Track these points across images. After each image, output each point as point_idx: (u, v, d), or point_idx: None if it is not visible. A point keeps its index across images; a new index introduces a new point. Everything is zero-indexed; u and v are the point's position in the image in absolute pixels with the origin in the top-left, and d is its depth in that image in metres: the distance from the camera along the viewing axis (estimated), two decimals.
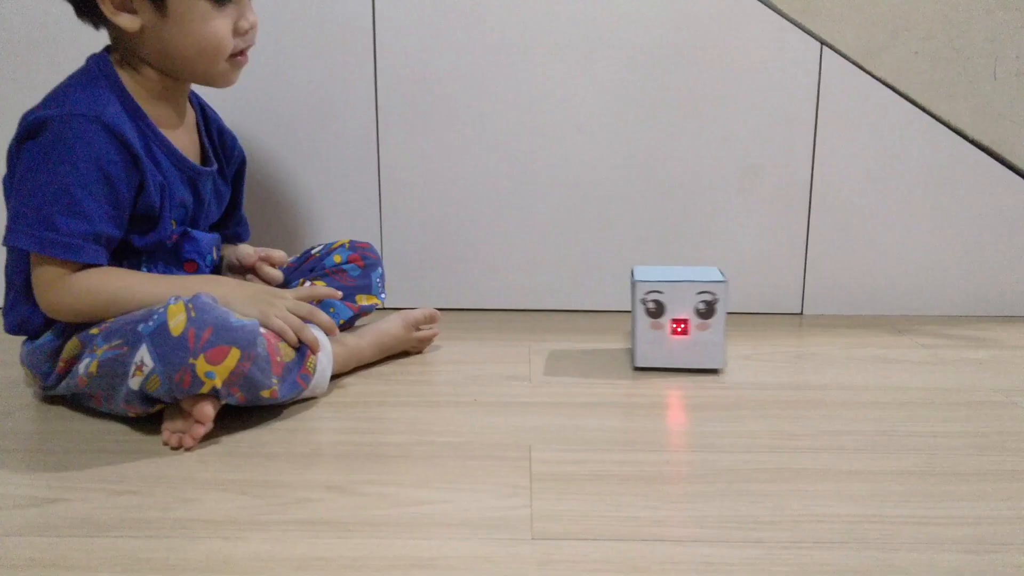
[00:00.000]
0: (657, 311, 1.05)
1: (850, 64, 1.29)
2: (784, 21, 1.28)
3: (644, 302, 1.05)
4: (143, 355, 0.82)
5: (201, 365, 0.81)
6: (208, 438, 0.85)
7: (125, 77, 0.94)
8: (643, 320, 1.05)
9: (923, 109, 1.30)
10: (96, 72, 0.94)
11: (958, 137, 1.30)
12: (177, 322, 0.81)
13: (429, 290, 1.36)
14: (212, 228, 1.12)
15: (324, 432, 0.89)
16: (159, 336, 0.81)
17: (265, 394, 0.86)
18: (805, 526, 0.69)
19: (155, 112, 0.96)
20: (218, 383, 0.82)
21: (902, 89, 1.29)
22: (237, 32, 0.95)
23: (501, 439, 0.86)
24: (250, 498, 0.74)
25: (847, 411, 0.95)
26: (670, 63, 1.29)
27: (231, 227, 1.15)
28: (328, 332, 0.94)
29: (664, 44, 1.29)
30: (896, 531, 0.69)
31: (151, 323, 0.82)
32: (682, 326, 1.05)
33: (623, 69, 1.30)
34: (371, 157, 1.32)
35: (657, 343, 1.06)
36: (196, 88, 1.04)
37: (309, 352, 0.92)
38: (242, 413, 0.90)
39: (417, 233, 1.35)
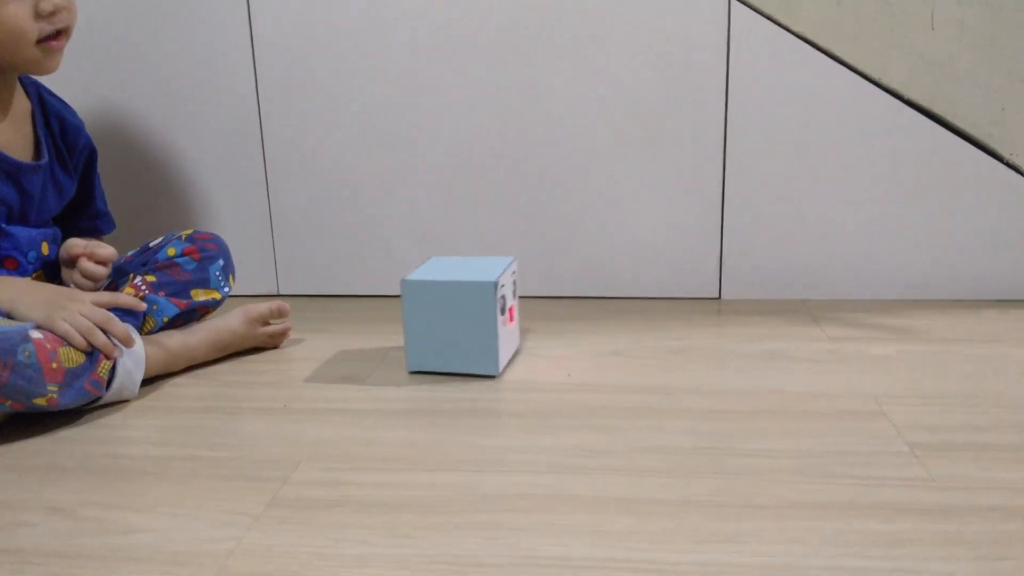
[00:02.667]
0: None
1: (762, 18, 1.14)
2: None
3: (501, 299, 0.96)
4: None
5: None
6: None
7: None
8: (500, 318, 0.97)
9: (848, 66, 1.14)
10: None
11: (890, 96, 1.15)
12: None
13: (322, 276, 1.31)
14: (64, 222, 1.09)
15: (95, 443, 0.84)
16: None
17: (40, 402, 0.83)
18: (525, 570, 0.61)
19: None
20: None
21: (823, 44, 1.14)
22: (40, 15, 0.91)
23: (273, 455, 0.80)
24: None
25: (680, 421, 0.84)
26: (555, 18, 1.18)
27: (85, 221, 1.12)
28: (123, 342, 0.89)
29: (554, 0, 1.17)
30: None
31: None
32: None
33: (509, 22, 1.19)
34: (255, 139, 1.26)
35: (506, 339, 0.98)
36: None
37: (102, 357, 0.87)
38: (45, 419, 0.87)
39: (306, 218, 1.29)
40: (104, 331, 0.88)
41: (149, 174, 1.29)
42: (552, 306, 1.24)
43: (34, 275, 1.01)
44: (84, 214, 1.11)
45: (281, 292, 1.32)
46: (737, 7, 1.14)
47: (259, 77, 1.23)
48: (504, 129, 1.22)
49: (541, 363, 1.01)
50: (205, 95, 1.25)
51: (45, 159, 1.01)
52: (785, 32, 1.14)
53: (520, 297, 1.26)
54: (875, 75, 1.14)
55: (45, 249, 1.02)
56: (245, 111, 1.25)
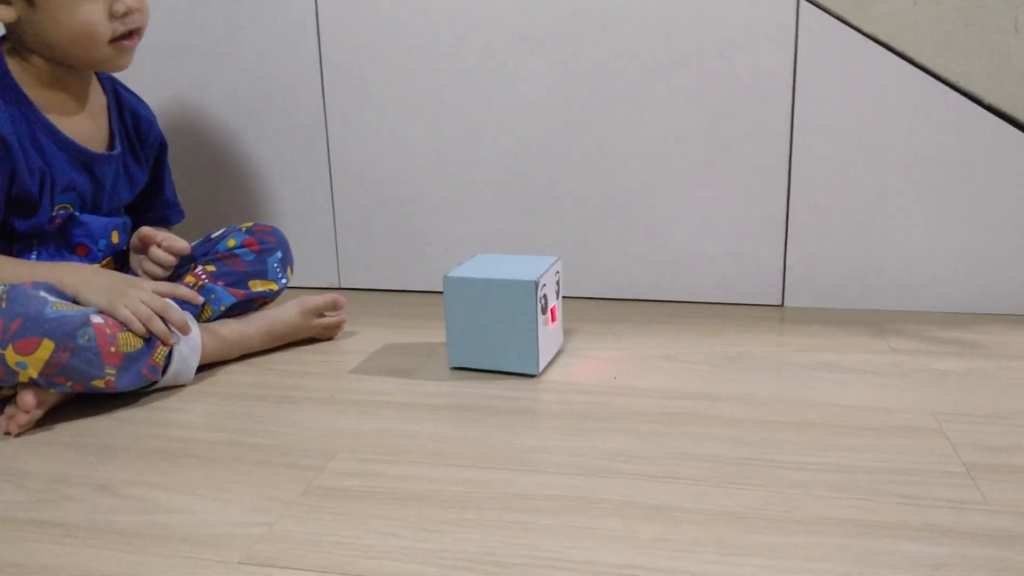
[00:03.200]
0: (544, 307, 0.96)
1: (832, 19, 1.10)
2: None
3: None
4: None
5: (10, 355, 0.81)
6: (47, 422, 0.87)
7: (14, 65, 0.96)
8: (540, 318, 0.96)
9: (924, 69, 1.09)
10: None
11: (970, 102, 1.09)
12: None
13: (382, 271, 1.32)
14: (134, 211, 1.13)
15: (148, 424, 0.87)
16: None
17: (98, 384, 0.86)
18: (542, 572, 0.60)
19: (46, 98, 0.98)
20: (33, 373, 0.82)
21: (897, 47, 1.10)
22: (114, 16, 0.95)
23: (313, 444, 0.81)
24: (22, 492, 0.74)
25: (724, 430, 0.82)
26: (618, 20, 1.16)
27: (156, 211, 1.16)
28: (180, 330, 0.92)
29: (616, 3, 1.16)
30: None
31: None
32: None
33: (570, 27, 1.18)
34: (320, 136, 1.29)
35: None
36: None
37: (159, 344, 0.90)
38: (104, 399, 0.91)
39: (368, 214, 1.30)
40: (162, 319, 0.91)
41: (217, 167, 1.33)
42: (605, 308, 1.23)
43: (103, 262, 1.05)
44: (154, 204, 1.15)
45: (342, 286, 1.34)
46: (806, 7, 1.10)
47: (325, 75, 1.26)
48: (564, 130, 1.21)
49: (588, 364, 1.00)
50: (273, 93, 1.28)
51: (118, 150, 1.05)
52: (857, 33, 1.10)
53: (573, 298, 1.25)
54: (953, 79, 1.09)
55: (115, 238, 1.06)
56: (311, 108, 1.28)
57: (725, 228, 1.20)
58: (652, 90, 1.17)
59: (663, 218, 1.22)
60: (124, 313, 0.89)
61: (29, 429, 0.86)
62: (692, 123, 1.18)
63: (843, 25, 1.10)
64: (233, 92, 1.30)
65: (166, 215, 1.17)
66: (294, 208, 1.32)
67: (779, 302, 1.21)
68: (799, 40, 1.12)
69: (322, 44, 1.25)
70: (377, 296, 1.31)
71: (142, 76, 1.11)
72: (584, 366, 1.00)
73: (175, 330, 0.92)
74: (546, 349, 0.97)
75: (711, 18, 1.14)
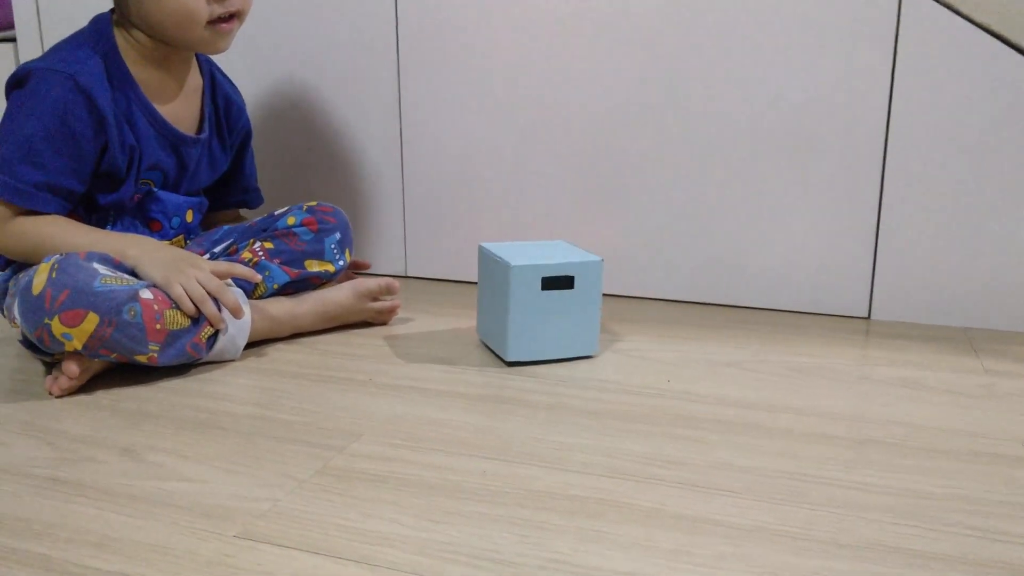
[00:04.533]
0: None
1: (939, 6, 1.01)
2: None
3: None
4: (16, 308, 0.85)
5: (56, 326, 0.82)
6: (90, 387, 0.87)
7: (120, 39, 0.99)
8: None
9: None
10: (90, 31, 0.99)
11: None
12: (39, 281, 0.83)
13: (448, 261, 1.29)
14: (214, 193, 1.14)
15: (186, 394, 0.86)
16: (25, 292, 0.83)
17: (141, 359, 0.86)
18: (544, 574, 0.55)
19: (146, 75, 1.00)
20: (77, 345, 0.83)
21: (1013, 38, 0.99)
22: None
23: (341, 425, 0.79)
24: (49, 449, 0.74)
25: (777, 442, 0.75)
26: (704, 12, 1.10)
27: (236, 194, 1.18)
28: (233, 313, 0.92)
29: None
30: None
31: (27, 278, 0.85)
32: None
33: (647, 16, 1.13)
34: (394, 125, 1.27)
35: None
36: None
37: (206, 324, 0.90)
38: (151, 368, 0.91)
39: (437, 203, 1.28)
40: (216, 300, 0.90)
41: (293, 154, 1.33)
42: (671, 310, 1.16)
43: (174, 240, 1.06)
44: (234, 188, 1.17)
45: (409, 274, 1.32)
46: None
47: (401, 64, 1.24)
48: (641, 125, 1.15)
49: (642, 366, 0.94)
50: (349, 80, 1.28)
51: (206, 134, 1.06)
52: (966, 23, 1.00)
53: (636, 298, 1.20)
54: None
55: (189, 216, 1.07)
56: (386, 98, 1.26)
57: (808, 232, 1.12)
58: (732, 83, 1.10)
59: (740, 219, 1.14)
60: (177, 291, 0.88)
61: (72, 392, 0.87)
62: (776, 119, 1.10)
63: (951, 13, 1.01)
64: (311, 80, 1.30)
65: (245, 199, 1.18)
66: (365, 195, 1.31)
67: (865, 314, 1.12)
68: (900, 30, 1.03)
69: (399, 27, 1.23)
70: (442, 286, 1.28)
71: (233, 62, 1.12)
72: (637, 366, 0.94)
73: (227, 313, 0.91)
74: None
75: (799, 5, 1.06)
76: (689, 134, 1.14)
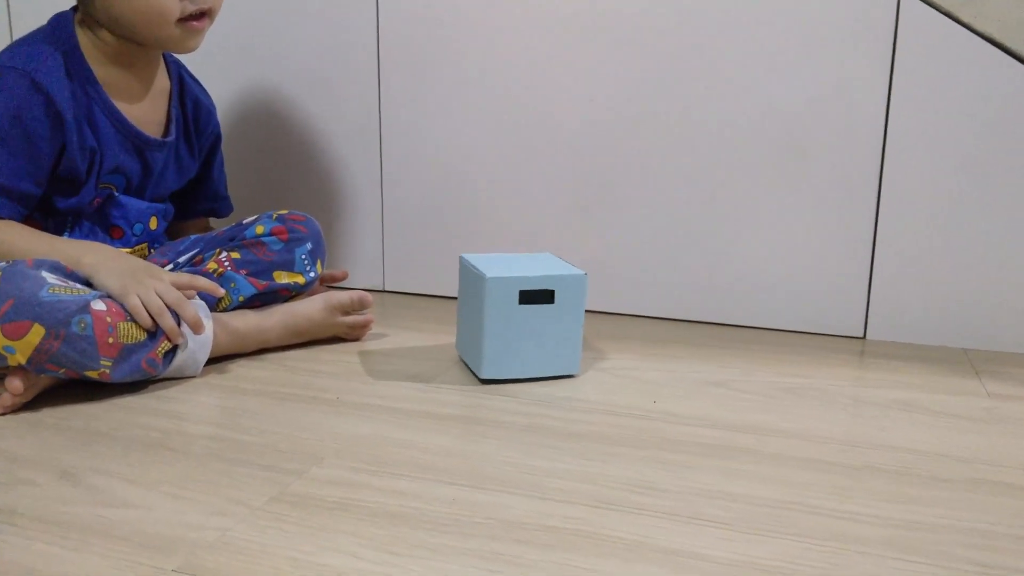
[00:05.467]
0: None
1: (938, 14, 0.97)
2: None
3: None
4: None
5: None
6: (35, 404, 0.82)
7: (83, 38, 0.94)
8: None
9: None
10: (49, 29, 0.95)
11: None
12: None
13: (428, 275, 1.24)
14: (182, 201, 1.09)
15: (137, 412, 0.81)
16: None
17: (92, 375, 0.81)
18: None
19: (111, 76, 0.95)
20: (21, 359, 0.77)
21: (1016, 47, 0.96)
22: None
23: (301, 446, 0.73)
24: None
25: (766, 468, 0.70)
26: (694, 18, 1.06)
27: (204, 202, 1.13)
28: (193, 328, 0.86)
29: None
30: None
31: None
32: None
33: (637, 21, 1.08)
34: (373, 135, 1.22)
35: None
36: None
37: (164, 337, 0.85)
38: (103, 383, 0.85)
39: (417, 216, 1.23)
40: (175, 313, 0.85)
41: (266, 160, 1.28)
42: (658, 328, 1.11)
43: (137, 248, 1.01)
44: (202, 195, 1.12)
45: (387, 288, 1.27)
46: (908, 1, 0.98)
47: (381, 71, 1.20)
48: (630, 135, 1.11)
49: (626, 386, 0.89)
50: (328, 87, 1.23)
51: (172, 136, 1.02)
52: (967, 31, 0.97)
53: (622, 315, 1.15)
54: None
55: (153, 224, 1.02)
56: (366, 107, 1.22)
57: (800, 248, 1.07)
58: (723, 93, 1.06)
59: (729, 234, 1.10)
60: (133, 302, 0.83)
61: (15, 410, 0.81)
62: (768, 130, 1.06)
63: (951, 21, 0.97)
64: (287, 86, 1.25)
65: (214, 207, 1.14)
66: (341, 204, 1.26)
67: (860, 334, 1.08)
68: (898, 38, 0.99)
69: (380, 33, 1.19)
70: (421, 301, 1.23)
71: (204, 62, 1.07)
72: (620, 386, 0.89)
73: (186, 328, 0.86)
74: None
75: (794, 10, 1.02)
76: (679, 145, 1.10)
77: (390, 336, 1.06)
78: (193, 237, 1.06)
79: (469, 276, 0.89)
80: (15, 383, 0.79)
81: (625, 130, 1.11)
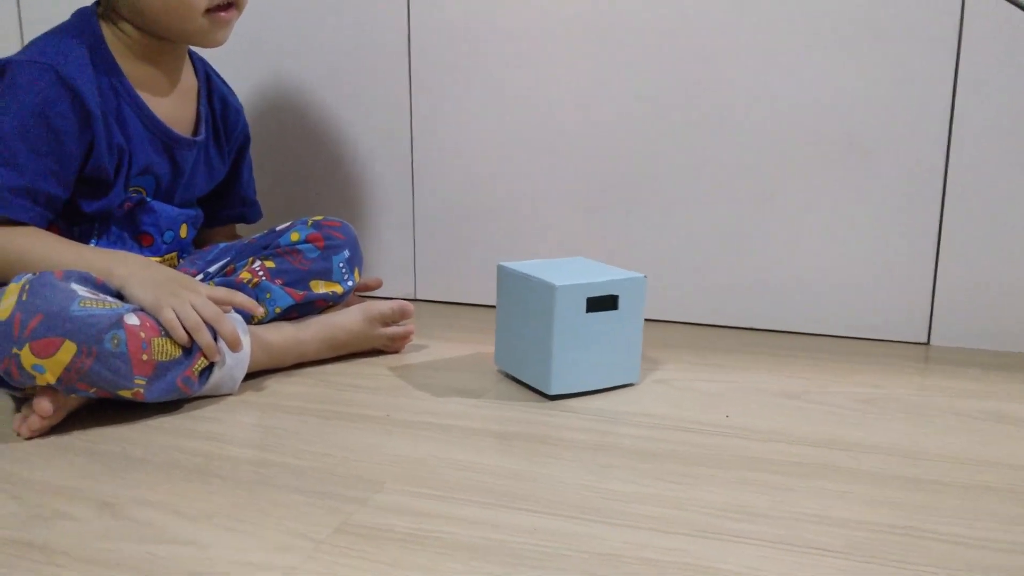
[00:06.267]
0: None
1: (1007, 3, 0.92)
2: None
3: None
4: None
5: (27, 356, 0.70)
6: (65, 427, 0.76)
7: (107, 32, 0.89)
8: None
9: None
10: (73, 23, 0.90)
11: None
12: (7, 305, 0.71)
13: (460, 283, 1.19)
14: (209, 207, 1.04)
15: (175, 434, 0.75)
16: None
17: (125, 394, 0.75)
18: None
19: (137, 72, 0.90)
20: (51, 378, 0.71)
21: None
22: None
23: (358, 470, 0.68)
24: (16, 504, 0.63)
25: (866, 488, 0.65)
26: (738, 6, 1.01)
27: (233, 207, 1.08)
28: (231, 345, 0.81)
29: None
30: None
31: None
32: None
33: (670, 14, 1.03)
34: (404, 139, 1.17)
35: None
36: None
37: (200, 355, 0.79)
38: (134, 403, 0.79)
39: (449, 223, 1.17)
40: (212, 329, 0.80)
41: (293, 165, 1.23)
42: (706, 334, 1.06)
43: (166, 257, 0.95)
44: (231, 200, 1.07)
45: (418, 297, 1.21)
46: None
47: (413, 71, 1.14)
48: (665, 131, 1.06)
49: (690, 398, 0.84)
50: (358, 91, 1.17)
51: (202, 135, 0.96)
52: None
53: (666, 322, 1.10)
54: None
55: (184, 232, 0.97)
56: (397, 110, 1.16)
57: (858, 249, 1.02)
58: (773, 83, 1.01)
59: (780, 235, 1.04)
60: (168, 316, 0.77)
61: (43, 433, 0.75)
62: (827, 127, 1.01)
63: (1018, 9, 0.92)
64: (314, 85, 1.20)
65: (243, 212, 1.08)
66: (371, 210, 1.20)
67: (924, 339, 1.02)
68: (964, 25, 0.94)
69: (412, 37, 1.14)
70: (454, 310, 1.17)
71: (226, 61, 1.02)
72: (684, 399, 0.84)
73: (222, 345, 0.80)
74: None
75: (855, 1, 0.97)
76: (726, 143, 1.04)
77: (429, 347, 1.00)
78: (222, 245, 1.00)
79: (523, 286, 0.84)
80: (44, 404, 0.73)
81: (664, 133, 1.06)
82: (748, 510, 0.61)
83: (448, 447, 0.72)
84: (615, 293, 0.82)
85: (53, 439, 0.74)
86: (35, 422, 0.73)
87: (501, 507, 0.62)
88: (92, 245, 0.89)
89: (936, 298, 1.01)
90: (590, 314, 0.81)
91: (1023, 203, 0.96)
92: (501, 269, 0.87)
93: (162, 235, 0.94)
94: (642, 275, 0.84)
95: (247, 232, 1.10)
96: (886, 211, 1.01)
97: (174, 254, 0.97)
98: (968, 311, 1.00)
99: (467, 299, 1.19)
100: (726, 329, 1.08)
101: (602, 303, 0.81)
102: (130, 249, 0.92)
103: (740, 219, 1.06)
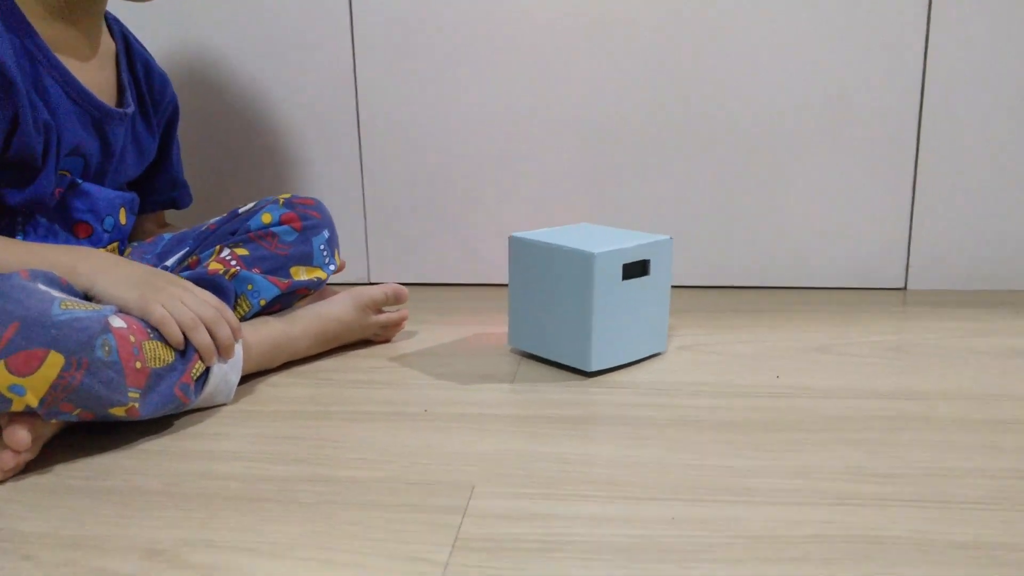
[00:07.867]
0: None
1: None
2: None
3: None
4: None
5: (2, 376, 0.57)
6: (41, 463, 0.62)
7: None
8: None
9: None
10: None
11: None
12: None
13: (419, 262, 1.10)
14: (140, 190, 0.90)
15: (186, 457, 0.63)
16: None
17: (118, 412, 0.62)
18: None
19: (53, 34, 0.75)
20: (32, 401, 0.58)
21: None
22: None
23: (431, 476, 0.59)
24: (29, 565, 0.50)
25: (967, 435, 0.64)
26: None
27: (164, 192, 0.94)
28: (224, 354, 0.69)
29: None
30: None
31: None
32: None
33: None
34: (350, 110, 1.06)
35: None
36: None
37: (196, 357, 0.67)
38: (119, 425, 0.67)
39: (404, 198, 1.08)
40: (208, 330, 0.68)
41: (232, 141, 1.09)
42: (713, 297, 1.04)
43: (108, 247, 0.81)
44: (162, 183, 0.93)
45: (372, 280, 1.11)
46: None
47: (356, 34, 1.04)
48: (661, 99, 1.02)
49: (726, 362, 0.80)
50: (297, 52, 1.05)
51: (131, 107, 0.82)
52: None
53: (673, 287, 1.07)
54: None
55: (123, 217, 0.83)
56: (341, 79, 1.05)
57: (843, 206, 1.02)
58: (764, 54, 0.99)
59: (769, 194, 1.03)
60: (160, 313, 0.65)
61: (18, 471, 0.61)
62: (806, 86, 1.00)
63: None
64: (246, 51, 1.06)
65: (174, 197, 0.94)
66: (319, 195, 1.09)
67: (901, 284, 1.04)
68: None
69: (354, 15, 1.03)
70: (417, 291, 1.08)
71: (148, 25, 0.87)
72: (720, 363, 0.80)
73: (217, 352, 0.69)
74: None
75: None
76: (714, 107, 1.01)
77: (420, 332, 0.91)
78: (168, 236, 0.87)
79: (548, 257, 0.77)
80: (20, 435, 0.59)
81: (659, 97, 1.02)
82: (867, 471, 0.58)
83: (516, 439, 0.65)
84: (647, 258, 0.77)
85: (33, 479, 0.60)
86: (8, 459, 0.59)
87: (621, 499, 0.55)
88: (27, 241, 0.74)
89: (912, 243, 1.03)
90: (627, 282, 0.75)
91: (1003, 149, 0.99)
92: (516, 241, 0.79)
93: (102, 222, 0.80)
94: (668, 237, 0.79)
95: (179, 221, 0.97)
96: (861, 163, 1.01)
97: (115, 244, 0.83)
98: (944, 254, 1.03)
99: (425, 279, 1.11)
100: (716, 289, 1.06)
101: (634, 269, 0.76)
102: (64, 242, 0.77)
103: (727, 183, 1.03)
